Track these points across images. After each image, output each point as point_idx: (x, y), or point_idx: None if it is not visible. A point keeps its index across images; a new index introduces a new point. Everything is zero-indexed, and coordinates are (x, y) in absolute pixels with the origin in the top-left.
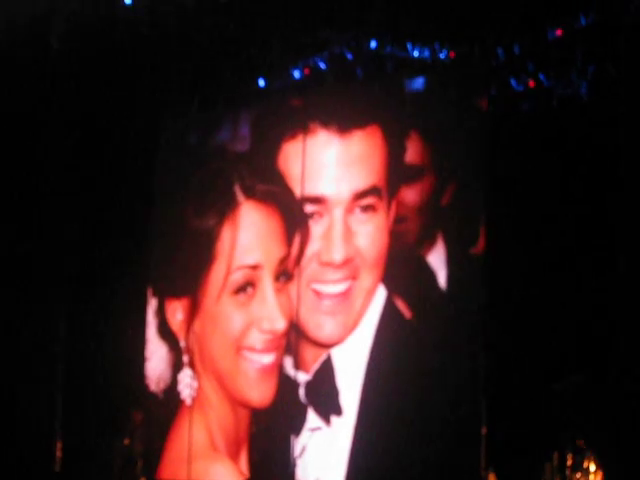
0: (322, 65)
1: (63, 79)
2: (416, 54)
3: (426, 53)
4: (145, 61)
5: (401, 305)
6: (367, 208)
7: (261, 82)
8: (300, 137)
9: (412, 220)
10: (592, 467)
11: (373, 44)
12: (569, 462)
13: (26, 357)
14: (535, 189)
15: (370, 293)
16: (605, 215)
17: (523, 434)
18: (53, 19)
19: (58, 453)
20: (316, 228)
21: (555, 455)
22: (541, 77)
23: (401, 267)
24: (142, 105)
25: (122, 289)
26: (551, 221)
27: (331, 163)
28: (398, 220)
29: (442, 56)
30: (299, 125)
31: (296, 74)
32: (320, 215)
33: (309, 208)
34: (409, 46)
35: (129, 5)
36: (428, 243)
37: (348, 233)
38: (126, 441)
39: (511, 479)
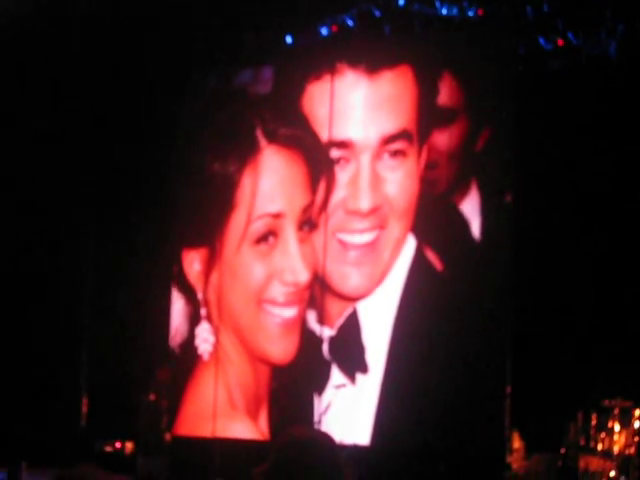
0: (350, 22)
1: (92, 29)
2: (444, 12)
3: (454, 11)
4: (173, 19)
5: (432, 256)
6: (396, 153)
7: (288, 39)
8: (326, 78)
9: (444, 166)
10: (617, 427)
11: (401, 1)
12: (593, 422)
13: (53, 315)
14: (564, 148)
15: (399, 243)
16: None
17: (547, 393)
18: None
19: (84, 408)
20: (342, 174)
21: (579, 415)
22: (570, 36)
23: (432, 216)
24: (170, 59)
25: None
26: (580, 177)
27: (358, 105)
28: (430, 166)
29: (470, 14)
30: (325, 65)
31: (323, 31)
32: (347, 160)
33: (335, 153)
34: (437, 3)
35: None
36: (461, 191)
37: (376, 180)
38: (152, 397)
39: (535, 438)
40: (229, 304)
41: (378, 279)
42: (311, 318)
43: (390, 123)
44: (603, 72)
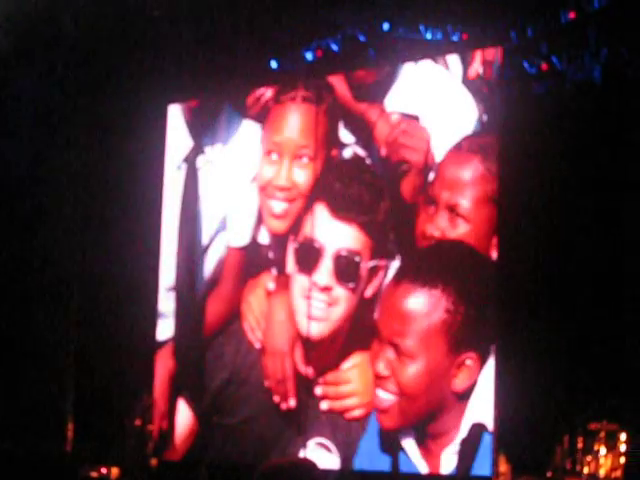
0: (334, 47)
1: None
2: (429, 36)
3: (438, 36)
4: (155, 42)
5: None
6: None
7: (273, 64)
8: None
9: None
10: (602, 450)
11: (386, 26)
12: (579, 445)
13: (38, 337)
14: (548, 171)
15: None
16: (617, 202)
17: (534, 417)
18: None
19: (69, 434)
20: None
21: (565, 438)
22: (554, 60)
23: None
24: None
25: None
26: (564, 207)
27: None
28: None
29: (455, 38)
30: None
31: (308, 56)
32: None
33: None
34: (422, 28)
35: None
36: None
37: None
38: (138, 422)
39: (522, 461)
40: None
41: None
42: None
43: None
44: (587, 96)
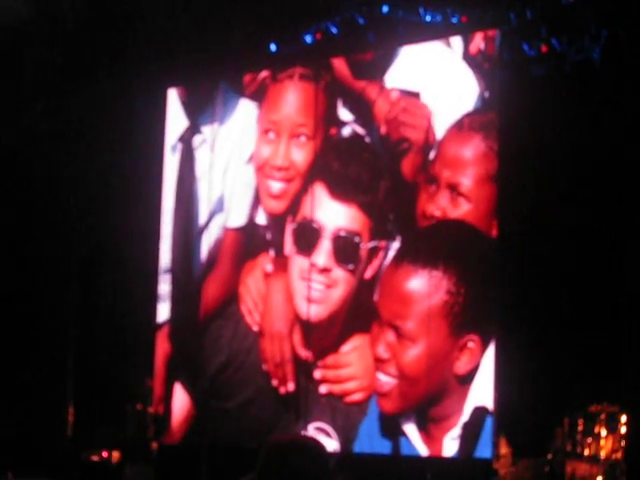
0: (334, 29)
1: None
2: (428, 19)
3: (438, 18)
4: (154, 28)
5: None
6: None
7: (273, 47)
8: None
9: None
10: (603, 432)
11: (385, 9)
12: (580, 427)
13: (38, 324)
14: (547, 152)
15: None
16: (616, 182)
17: (534, 399)
18: None
19: (70, 417)
20: None
21: (566, 420)
22: (554, 42)
23: None
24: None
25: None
26: (563, 193)
27: None
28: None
29: (454, 21)
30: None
31: (308, 39)
32: None
33: None
34: (421, 11)
35: None
36: None
37: None
38: (138, 406)
39: (522, 444)
40: None
41: None
42: None
43: None
44: (587, 77)
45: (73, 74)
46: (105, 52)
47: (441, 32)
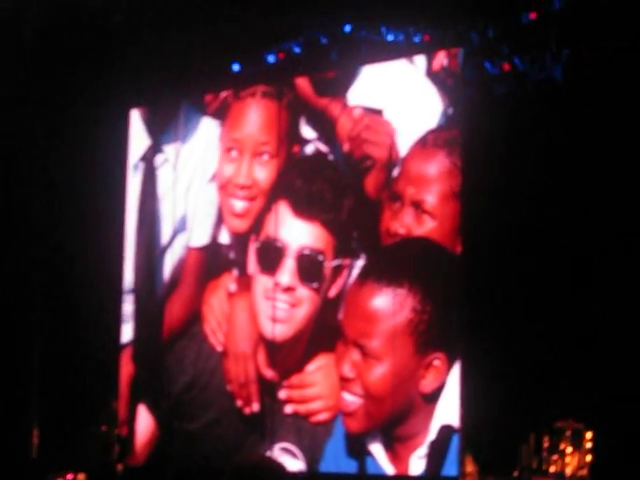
0: (297, 49)
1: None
2: (391, 38)
3: (401, 37)
4: (117, 49)
5: None
6: None
7: (236, 67)
8: None
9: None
10: (569, 449)
11: (348, 28)
12: (546, 444)
13: (2, 346)
14: (509, 172)
15: None
16: (579, 199)
17: (500, 416)
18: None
19: (35, 440)
20: None
21: (532, 437)
22: (516, 61)
23: None
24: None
25: None
26: (527, 209)
27: None
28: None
29: (417, 40)
30: None
31: (271, 58)
32: None
33: None
34: (383, 30)
35: None
36: None
37: None
38: (103, 428)
39: (488, 462)
40: None
41: None
42: None
43: None
44: (549, 96)
45: (36, 94)
46: (69, 74)
47: (404, 51)
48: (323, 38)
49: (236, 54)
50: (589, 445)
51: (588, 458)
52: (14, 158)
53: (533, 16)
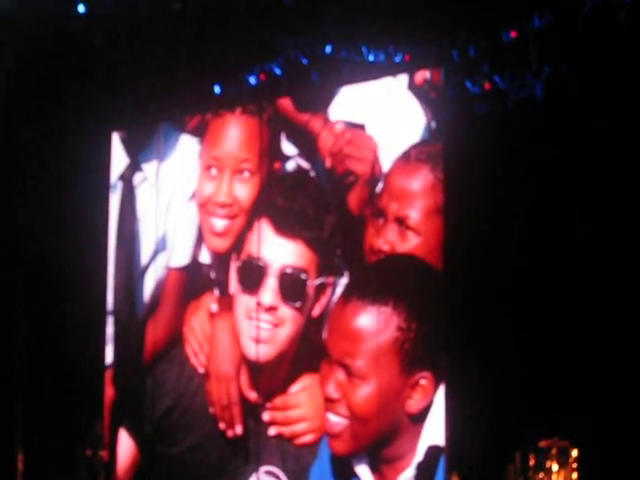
0: (278, 70)
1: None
2: (371, 58)
3: (381, 57)
4: (97, 71)
5: None
6: None
7: (217, 88)
8: None
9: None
10: (555, 467)
11: (328, 49)
12: (531, 462)
13: None
14: (491, 190)
15: None
16: (560, 216)
17: (485, 435)
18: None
19: (19, 465)
20: None
21: (517, 455)
22: (496, 79)
23: None
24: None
25: None
26: (507, 228)
27: None
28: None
29: (397, 60)
30: None
31: (252, 80)
32: None
33: None
34: (364, 50)
35: (82, 15)
36: None
37: None
38: (88, 452)
39: None
40: None
41: None
42: None
43: None
44: (530, 114)
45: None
46: (50, 96)
47: (385, 70)
48: (304, 59)
49: (217, 76)
50: (575, 464)
51: (574, 476)
52: None
53: (514, 34)
